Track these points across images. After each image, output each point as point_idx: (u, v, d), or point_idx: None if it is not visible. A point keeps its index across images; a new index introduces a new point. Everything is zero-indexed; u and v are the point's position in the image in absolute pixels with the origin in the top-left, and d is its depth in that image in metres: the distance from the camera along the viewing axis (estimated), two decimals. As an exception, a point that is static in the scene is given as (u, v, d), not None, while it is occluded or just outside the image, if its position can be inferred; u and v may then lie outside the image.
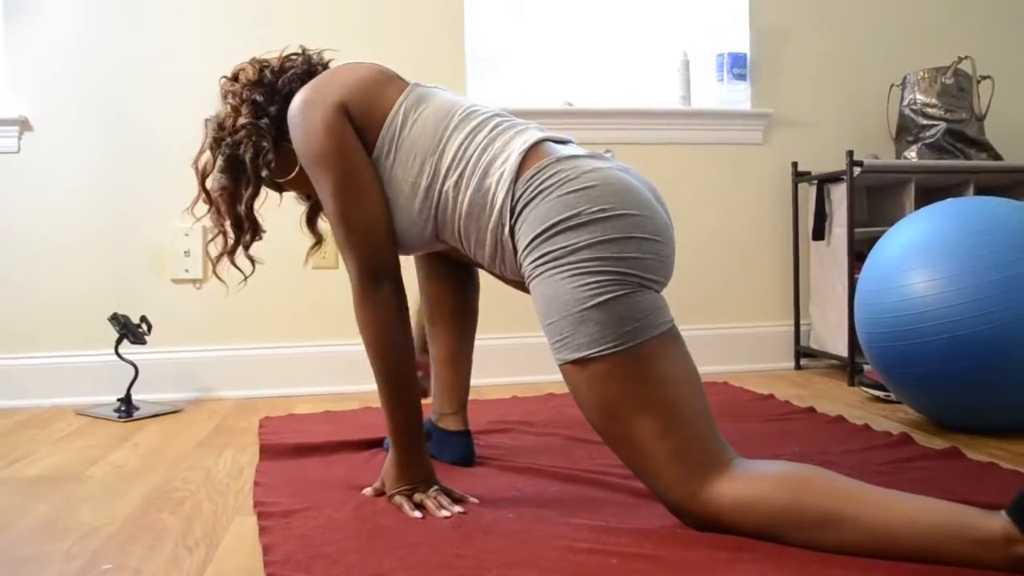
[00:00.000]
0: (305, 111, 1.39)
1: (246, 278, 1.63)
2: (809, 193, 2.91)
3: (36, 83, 2.57)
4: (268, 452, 1.79)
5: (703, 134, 2.96)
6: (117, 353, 2.37)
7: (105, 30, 2.60)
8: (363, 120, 1.39)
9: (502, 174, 1.30)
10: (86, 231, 2.59)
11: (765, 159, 3.01)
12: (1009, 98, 3.01)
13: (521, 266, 1.30)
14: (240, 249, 1.59)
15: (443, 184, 1.35)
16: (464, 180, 1.33)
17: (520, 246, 1.28)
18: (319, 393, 2.64)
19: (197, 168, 1.55)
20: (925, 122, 2.85)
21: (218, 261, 1.58)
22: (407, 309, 1.40)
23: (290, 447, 1.80)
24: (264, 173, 1.49)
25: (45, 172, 2.57)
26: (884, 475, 1.50)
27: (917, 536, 1.06)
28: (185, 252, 2.62)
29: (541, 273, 1.25)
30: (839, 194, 2.72)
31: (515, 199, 1.28)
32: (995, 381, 1.78)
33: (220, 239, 1.58)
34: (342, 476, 1.58)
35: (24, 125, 2.55)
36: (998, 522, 1.03)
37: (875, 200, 2.98)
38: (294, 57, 1.59)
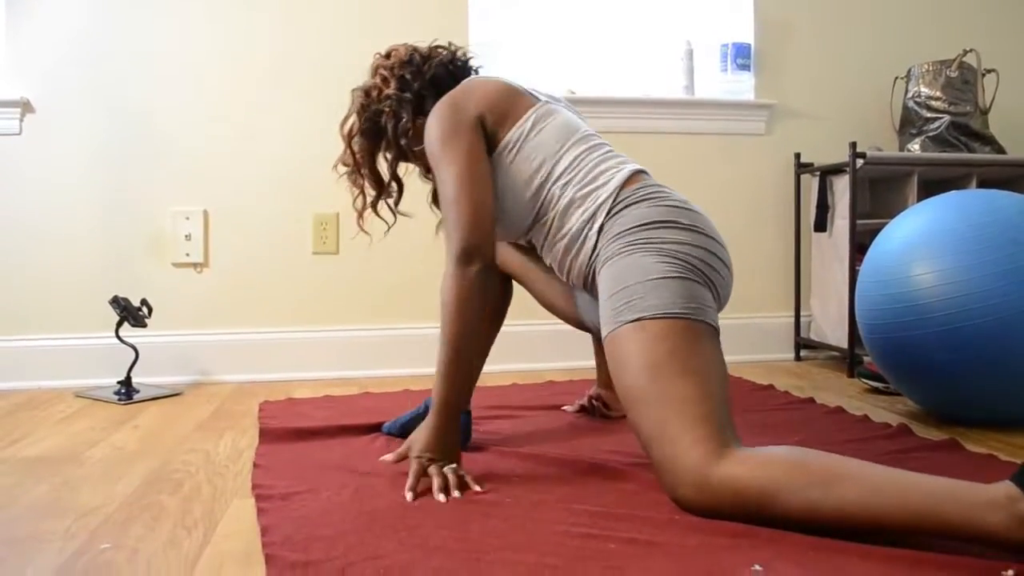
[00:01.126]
0: (447, 110, 1.56)
1: (389, 228, 1.80)
2: (811, 184, 2.91)
3: (38, 65, 2.56)
4: (267, 436, 1.79)
5: (706, 124, 2.95)
6: (118, 336, 2.37)
7: (108, 13, 2.59)
8: (495, 124, 1.57)
9: (609, 180, 1.51)
10: (87, 214, 2.59)
11: (768, 150, 3.00)
12: (1013, 92, 3.01)
13: (598, 256, 1.48)
14: (385, 205, 1.78)
15: (554, 184, 1.54)
16: (572, 182, 1.53)
17: (608, 236, 1.47)
18: (319, 378, 2.64)
19: (343, 131, 1.74)
20: (929, 115, 2.85)
21: (361, 215, 1.74)
22: (491, 294, 1.49)
23: (289, 431, 1.80)
24: (402, 141, 1.67)
25: (47, 154, 2.56)
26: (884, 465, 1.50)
27: (920, 496, 1.07)
28: (186, 236, 2.62)
29: (626, 252, 1.41)
30: (841, 186, 2.72)
31: (616, 200, 1.48)
32: (995, 373, 1.79)
33: (360, 197, 1.75)
34: (341, 460, 1.58)
35: (26, 107, 2.55)
36: (1002, 487, 1.05)
37: (877, 192, 2.97)
38: (441, 49, 1.74)
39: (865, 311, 2.00)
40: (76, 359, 2.55)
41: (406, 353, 2.69)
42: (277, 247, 2.69)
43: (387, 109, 1.66)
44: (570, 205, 1.52)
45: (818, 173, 2.83)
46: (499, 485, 1.40)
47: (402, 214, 1.79)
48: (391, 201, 1.77)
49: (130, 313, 2.36)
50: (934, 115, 2.84)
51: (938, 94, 2.84)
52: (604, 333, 1.40)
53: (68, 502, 1.39)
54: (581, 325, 1.84)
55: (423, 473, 1.39)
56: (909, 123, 2.91)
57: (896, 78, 2.98)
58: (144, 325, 2.39)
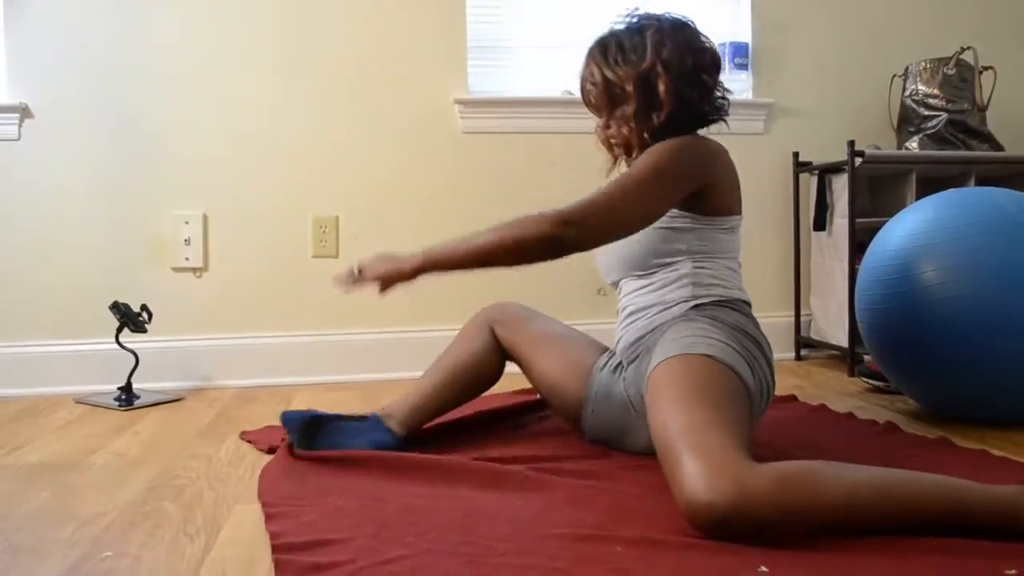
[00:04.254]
0: (699, 152, 1.56)
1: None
2: (810, 183, 2.91)
3: (37, 70, 2.56)
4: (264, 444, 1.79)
5: (704, 124, 2.95)
6: (118, 342, 2.37)
7: (107, 17, 2.59)
8: (708, 196, 1.59)
9: (733, 290, 1.62)
10: (87, 219, 2.58)
11: (766, 149, 3.00)
12: (1011, 89, 3.01)
13: (681, 319, 1.54)
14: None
15: (692, 261, 1.60)
16: (706, 271, 1.60)
17: (701, 313, 1.54)
18: (320, 382, 2.64)
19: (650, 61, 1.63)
20: (927, 113, 2.85)
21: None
22: (544, 258, 1.46)
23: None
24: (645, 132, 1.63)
25: (46, 160, 2.56)
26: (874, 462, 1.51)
27: (950, 481, 1.16)
28: (186, 240, 2.62)
29: (718, 327, 1.49)
30: (840, 184, 2.72)
31: (727, 302, 1.59)
32: (995, 371, 1.79)
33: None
34: (349, 468, 1.56)
35: (25, 112, 2.55)
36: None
37: (876, 191, 2.97)
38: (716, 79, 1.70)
39: (865, 309, 2.00)
40: (76, 365, 2.55)
41: (407, 356, 2.69)
42: (277, 251, 2.69)
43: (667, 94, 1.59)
44: (685, 277, 1.58)
45: (817, 172, 2.83)
46: (506, 489, 1.40)
47: None
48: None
49: (130, 319, 2.36)
50: (932, 113, 2.84)
51: (936, 92, 2.84)
52: (664, 356, 1.42)
53: (69, 509, 1.39)
54: (576, 419, 1.72)
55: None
56: (907, 121, 2.91)
57: (894, 76, 2.98)
58: (144, 330, 2.39)
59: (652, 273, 1.62)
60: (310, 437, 1.61)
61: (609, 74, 1.61)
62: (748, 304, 1.64)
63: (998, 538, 1.10)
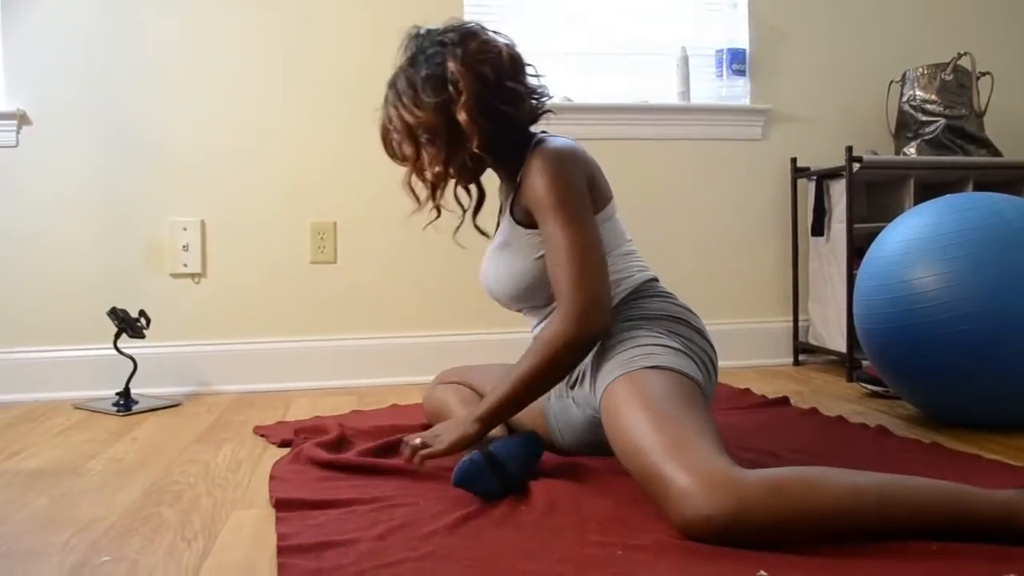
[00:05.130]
0: (575, 161, 1.51)
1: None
2: (808, 189, 2.91)
3: (35, 77, 2.56)
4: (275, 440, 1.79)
5: (702, 129, 2.96)
6: (116, 347, 2.37)
7: (104, 24, 2.59)
8: (593, 194, 1.53)
9: (633, 276, 1.57)
10: (85, 225, 2.58)
11: (764, 155, 3.00)
12: (1008, 94, 3.01)
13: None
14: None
15: None
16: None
17: (621, 318, 1.50)
18: (317, 387, 2.64)
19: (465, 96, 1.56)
20: (924, 118, 2.85)
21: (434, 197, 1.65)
22: (584, 355, 1.47)
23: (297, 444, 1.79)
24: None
25: (44, 166, 2.56)
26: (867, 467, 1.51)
27: (950, 485, 1.16)
28: (184, 246, 2.62)
29: (646, 327, 1.47)
30: (838, 190, 2.72)
31: (638, 291, 1.56)
32: (993, 377, 1.79)
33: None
34: (360, 472, 1.56)
35: (22, 119, 2.55)
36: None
37: (874, 196, 2.98)
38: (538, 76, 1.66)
39: (863, 315, 2.00)
40: (74, 371, 2.55)
41: (404, 362, 2.69)
42: (275, 257, 2.69)
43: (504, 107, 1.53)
44: None
45: (815, 177, 2.84)
46: (511, 495, 1.39)
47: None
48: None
49: (128, 324, 2.36)
50: (930, 118, 2.84)
51: (933, 97, 2.84)
52: (608, 379, 1.38)
53: (67, 515, 1.39)
54: (551, 445, 1.66)
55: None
56: (905, 127, 2.91)
57: (891, 82, 2.98)
58: (142, 336, 2.39)
59: (551, 301, 1.53)
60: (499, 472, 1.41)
61: (409, 118, 1.51)
62: (656, 280, 1.61)
63: (997, 542, 1.09)
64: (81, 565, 1.16)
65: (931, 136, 2.82)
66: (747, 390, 2.36)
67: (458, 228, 1.68)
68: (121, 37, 2.60)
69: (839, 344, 2.70)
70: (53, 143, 2.57)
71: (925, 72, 2.86)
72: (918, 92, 2.87)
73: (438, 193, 1.60)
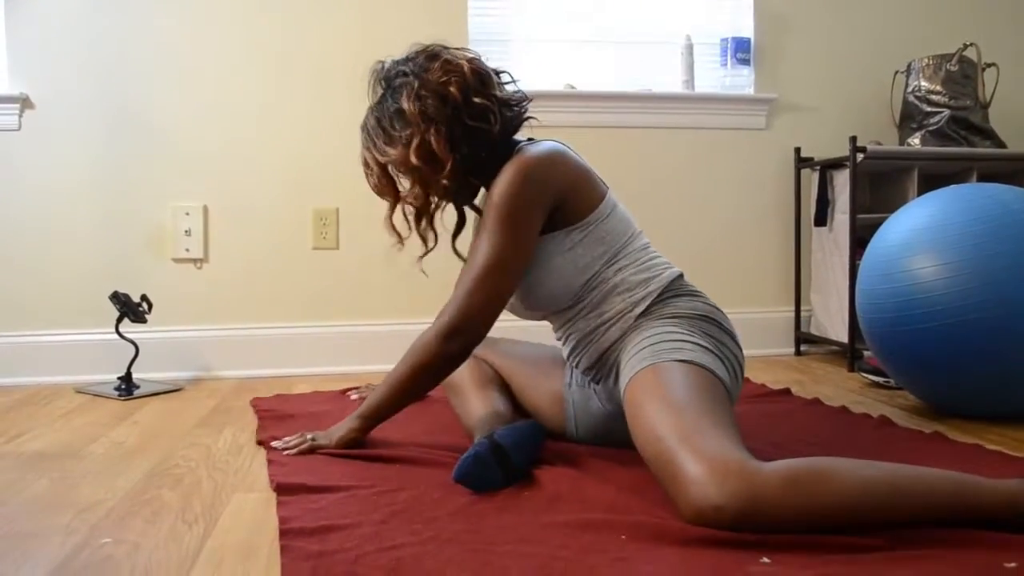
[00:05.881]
0: (529, 180, 1.47)
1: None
2: (811, 179, 2.90)
3: (37, 61, 2.56)
4: (269, 428, 1.79)
5: (706, 119, 2.95)
6: (118, 332, 2.37)
7: (107, 8, 2.58)
8: (573, 204, 1.52)
9: (661, 274, 1.55)
10: (87, 209, 2.58)
11: (768, 144, 3.00)
12: (1014, 85, 3.00)
13: (637, 327, 1.49)
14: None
15: (608, 268, 1.53)
16: (627, 268, 1.54)
17: (654, 316, 1.49)
18: (319, 373, 2.64)
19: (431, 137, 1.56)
20: (929, 109, 2.84)
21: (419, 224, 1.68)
22: (455, 366, 1.53)
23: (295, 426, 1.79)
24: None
25: (46, 150, 2.56)
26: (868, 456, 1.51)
27: (955, 475, 1.15)
28: (186, 231, 2.62)
29: (675, 322, 1.46)
30: (842, 180, 2.71)
31: (667, 290, 1.53)
32: (995, 368, 1.79)
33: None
34: (359, 455, 1.56)
35: (25, 103, 2.55)
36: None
37: (878, 187, 2.97)
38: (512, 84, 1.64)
39: (865, 305, 1.99)
40: (76, 355, 2.55)
41: (406, 348, 2.68)
42: (277, 242, 2.69)
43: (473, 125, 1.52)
44: (615, 287, 1.52)
45: (818, 167, 2.83)
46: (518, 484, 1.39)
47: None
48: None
49: (130, 309, 2.36)
50: (934, 109, 2.83)
51: (938, 88, 2.83)
52: (636, 369, 1.38)
53: (68, 497, 1.39)
54: (563, 433, 1.68)
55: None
56: (909, 117, 2.90)
57: (896, 72, 2.97)
58: (144, 321, 2.39)
59: (579, 299, 1.55)
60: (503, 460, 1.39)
61: (382, 158, 1.55)
62: (682, 275, 1.59)
63: (1000, 530, 1.09)
64: (82, 547, 1.16)
65: (935, 127, 2.81)
66: (745, 379, 2.36)
67: (423, 255, 1.65)
68: (124, 22, 2.60)
69: (841, 334, 2.70)
70: (56, 127, 2.56)
71: (930, 63, 2.85)
72: (923, 83, 2.86)
73: (423, 223, 1.62)
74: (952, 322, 1.78)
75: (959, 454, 1.57)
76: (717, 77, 2.98)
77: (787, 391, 2.19)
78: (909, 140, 2.86)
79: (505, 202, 1.46)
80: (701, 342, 1.43)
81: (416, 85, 1.50)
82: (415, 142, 1.49)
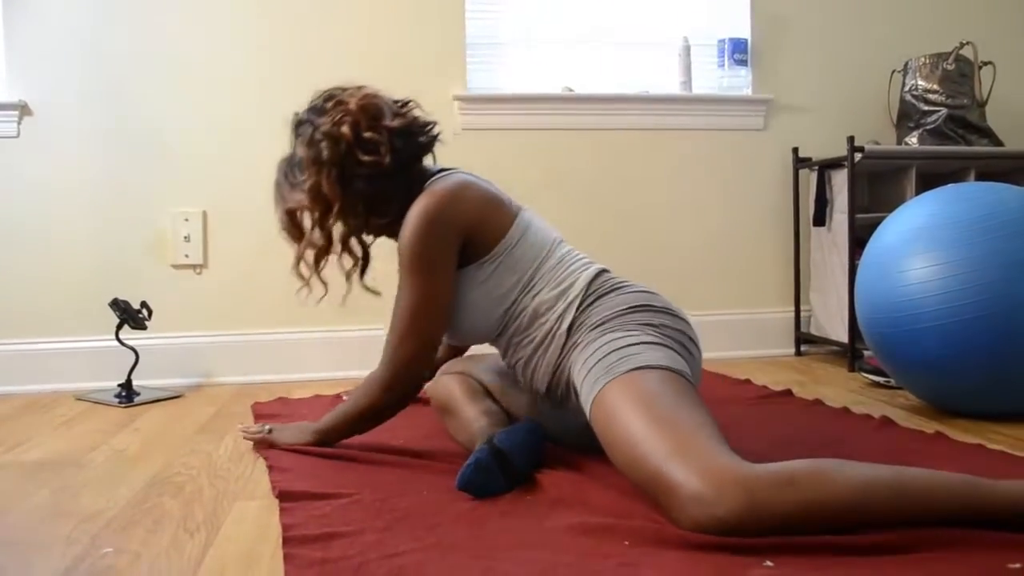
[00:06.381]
0: (433, 223, 1.49)
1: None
2: (810, 179, 2.90)
3: (36, 68, 2.56)
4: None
5: (704, 120, 2.95)
6: (118, 338, 2.37)
7: (106, 15, 2.59)
8: (481, 237, 1.53)
9: (576, 280, 1.52)
10: (86, 216, 2.58)
11: (766, 145, 3.00)
12: (1010, 84, 3.00)
13: (574, 346, 1.46)
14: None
15: (525, 296, 1.53)
16: (543, 290, 1.52)
17: (583, 328, 1.46)
18: (320, 379, 2.64)
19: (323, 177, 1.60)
20: (926, 108, 2.84)
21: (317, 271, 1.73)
22: (398, 410, 1.60)
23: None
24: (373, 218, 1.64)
25: (45, 157, 2.56)
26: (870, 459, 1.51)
27: (943, 476, 1.15)
28: (185, 237, 2.62)
29: (609, 331, 1.42)
30: (840, 180, 2.71)
31: (586, 295, 1.50)
32: (996, 366, 1.79)
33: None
34: (364, 462, 1.56)
35: (24, 110, 2.54)
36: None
37: (876, 186, 2.97)
38: (417, 114, 1.65)
39: (865, 305, 1.99)
40: (76, 362, 2.55)
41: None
42: (276, 248, 2.66)
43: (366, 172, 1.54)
44: (537, 309, 1.51)
45: (816, 167, 2.83)
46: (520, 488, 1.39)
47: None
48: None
49: (130, 315, 2.36)
50: (931, 108, 2.83)
51: (935, 87, 2.83)
52: (595, 391, 1.35)
53: (69, 506, 1.39)
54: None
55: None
56: (907, 116, 2.91)
57: (893, 71, 2.97)
58: (144, 327, 2.39)
59: (504, 328, 1.56)
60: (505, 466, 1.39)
61: (285, 206, 1.62)
62: (604, 271, 1.56)
63: (1004, 530, 1.09)
64: (83, 557, 1.16)
65: (933, 126, 2.82)
66: (747, 381, 2.36)
67: (346, 295, 1.68)
68: (123, 28, 2.60)
69: (841, 334, 2.70)
70: (54, 134, 2.56)
71: (927, 62, 2.86)
72: (920, 82, 2.86)
73: (322, 263, 1.67)
74: (951, 321, 1.78)
75: (962, 454, 1.57)
76: (715, 78, 2.98)
77: (788, 392, 2.19)
78: (907, 139, 2.86)
79: (413, 249, 1.50)
80: (644, 338, 1.40)
81: (310, 132, 1.56)
82: (308, 185, 1.54)
